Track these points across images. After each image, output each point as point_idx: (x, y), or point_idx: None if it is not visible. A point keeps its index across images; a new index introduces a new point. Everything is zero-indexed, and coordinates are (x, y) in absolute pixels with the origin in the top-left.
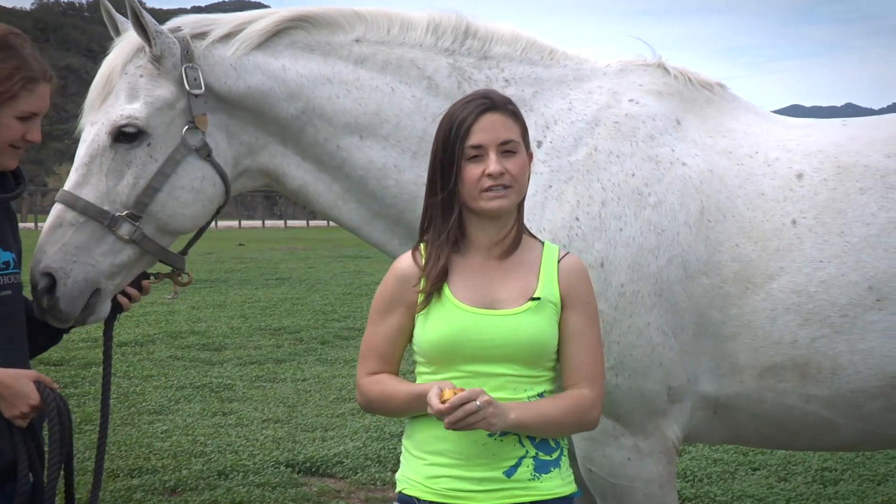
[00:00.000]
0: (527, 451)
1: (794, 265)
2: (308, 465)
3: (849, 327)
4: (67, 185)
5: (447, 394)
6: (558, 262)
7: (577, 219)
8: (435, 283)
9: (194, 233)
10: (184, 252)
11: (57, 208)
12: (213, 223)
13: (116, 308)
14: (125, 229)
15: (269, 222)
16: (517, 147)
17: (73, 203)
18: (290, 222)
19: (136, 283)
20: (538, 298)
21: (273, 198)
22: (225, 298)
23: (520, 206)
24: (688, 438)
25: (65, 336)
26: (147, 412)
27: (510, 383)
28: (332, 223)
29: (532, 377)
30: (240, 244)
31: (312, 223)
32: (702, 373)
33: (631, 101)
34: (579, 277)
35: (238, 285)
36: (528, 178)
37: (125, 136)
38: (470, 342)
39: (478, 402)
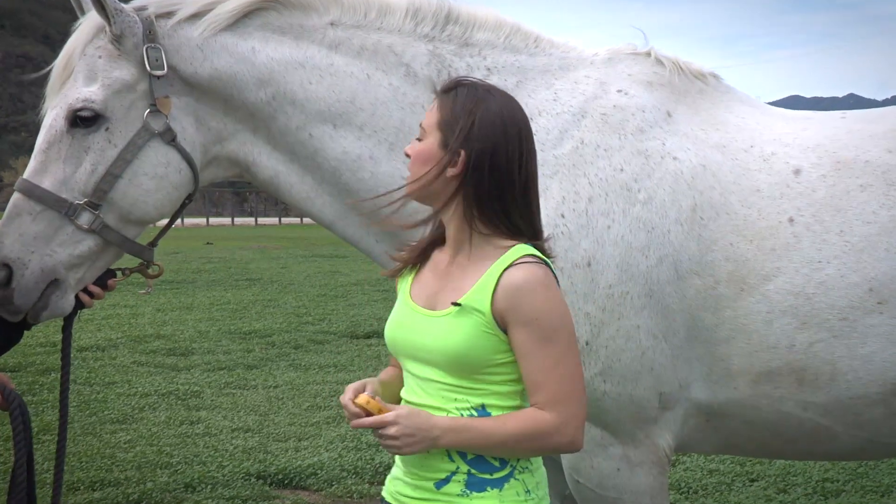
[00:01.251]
0: (457, 467)
1: (791, 265)
2: (280, 476)
3: (848, 331)
4: (26, 174)
5: (361, 399)
6: (503, 271)
7: (563, 216)
8: (397, 269)
9: (164, 223)
10: (152, 244)
11: (15, 197)
12: (179, 220)
13: (77, 305)
14: (84, 218)
15: (238, 220)
16: (422, 133)
17: (30, 192)
18: (262, 220)
19: (101, 282)
20: (459, 304)
21: (243, 194)
22: (192, 300)
23: (478, 203)
24: (680, 448)
25: (22, 341)
26: (109, 421)
27: (440, 391)
28: (305, 220)
29: (463, 388)
30: (208, 243)
31: (285, 220)
32: (694, 378)
33: (619, 91)
34: (521, 292)
35: (206, 286)
36: (431, 170)
37: (82, 121)
38: (402, 340)
39: (381, 432)
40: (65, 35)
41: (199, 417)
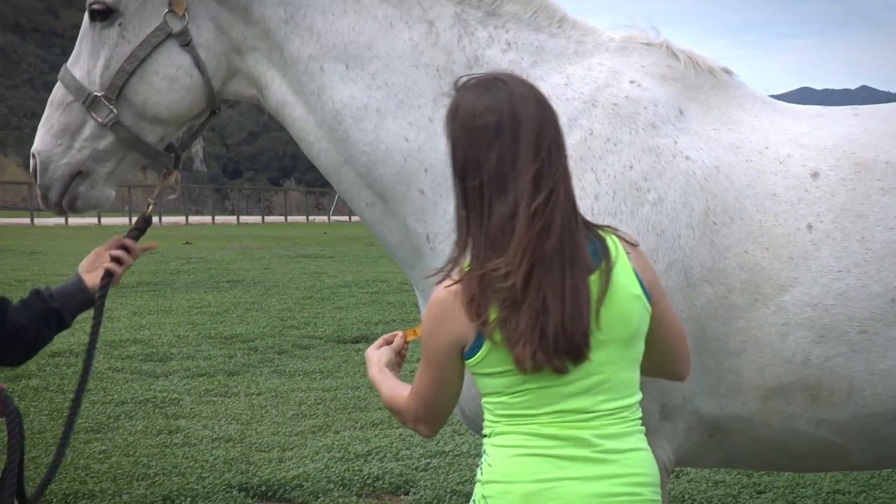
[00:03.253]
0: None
1: (809, 275)
2: (264, 488)
3: (868, 345)
4: (69, 62)
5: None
6: None
7: None
8: None
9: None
10: (169, 149)
11: (56, 86)
12: (157, 219)
13: (107, 277)
14: (102, 113)
15: (219, 218)
16: None
17: (63, 78)
18: (244, 218)
19: (138, 232)
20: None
21: (224, 191)
22: (170, 303)
23: None
24: (679, 462)
25: None
26: (83, 430)
27: None
28: (289, 219)
29: None
30: (187, 242)
31: (268, 219)
32: (700, 391)
33: (632, 82)
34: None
35: (185, 288)
36: None
37: (98, 14)
38: None
39: None
40: (36, 24)
41: (178, 426)
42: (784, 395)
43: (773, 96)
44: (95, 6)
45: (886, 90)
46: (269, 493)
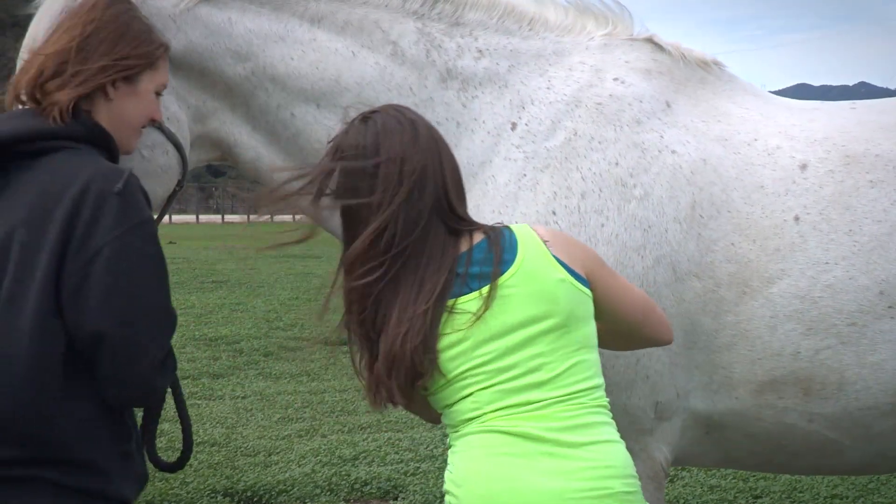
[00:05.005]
0: None
1: (796, 267)
2: (249, 493)
3: (857, 337)
4: None
5: None
6: None
7: (554, 212)
8: None
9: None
10: None
11: None
12: None
13: None
14: None
15: (203, 217)
16: None
17: None
18: (228, 217)
19: None
20: None
21: (208, 189)
22: None
23: None
24: (678, 461)
25: None
26: None
27: None
28: (276, 217)
29: None
30: (171, 242)
31: (253, 217)
32: (693, 387)
33: (616, 79)
34: None
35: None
36: None
37: None
38: None
39: None
40: (16, 19)
41: (161, 430)
42: (776, 390)
43: (770, 92)
44: None
45: (885, 86)
46: (255, 499)
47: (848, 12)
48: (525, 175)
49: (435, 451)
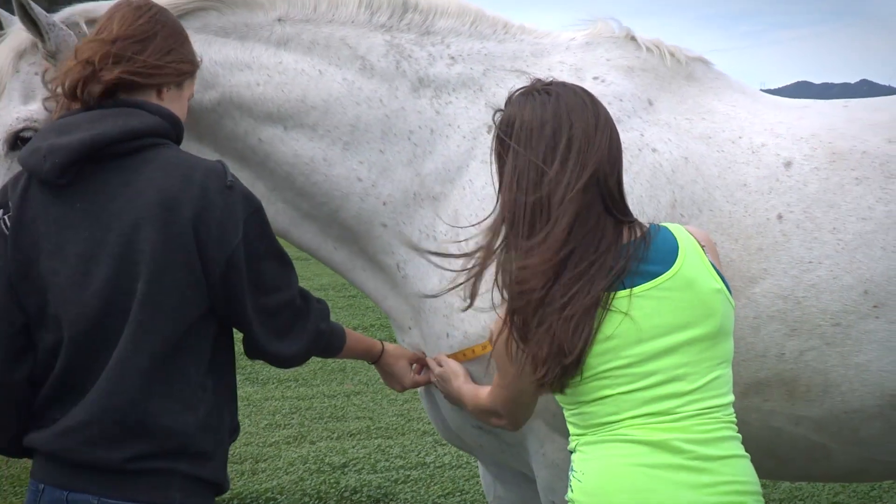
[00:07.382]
0: None
1: (779, 266)
2: (236, 502)
3: (842, 338)
4: None
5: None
6: None
7: None
8: None
9: None
10: None
11: None
12: None
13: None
14: None
15: None
16: None
17: None
18: None
19: None
20: None
21: None
22: None
23: None
24: None
25: None
26: None
27: None
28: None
29: None
30: None
31: None
32: None
33: (596, 78)
34: None
35: None
36: None
37: (24, 143)
38: None
39: None
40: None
41: None
42: (760, 392)
43: (769, 91)
44: (28, 133)
45: (888, 84)
46: None
47: (850, 8)
48: None
49: (426, 458)
